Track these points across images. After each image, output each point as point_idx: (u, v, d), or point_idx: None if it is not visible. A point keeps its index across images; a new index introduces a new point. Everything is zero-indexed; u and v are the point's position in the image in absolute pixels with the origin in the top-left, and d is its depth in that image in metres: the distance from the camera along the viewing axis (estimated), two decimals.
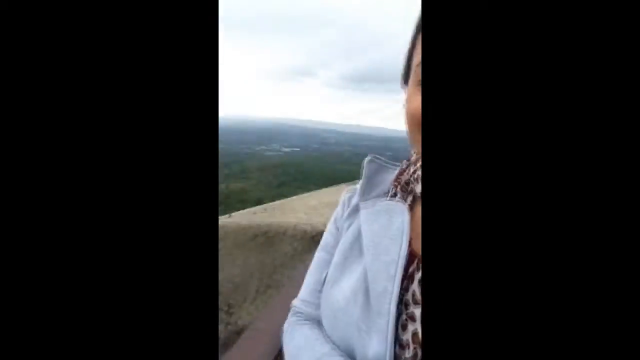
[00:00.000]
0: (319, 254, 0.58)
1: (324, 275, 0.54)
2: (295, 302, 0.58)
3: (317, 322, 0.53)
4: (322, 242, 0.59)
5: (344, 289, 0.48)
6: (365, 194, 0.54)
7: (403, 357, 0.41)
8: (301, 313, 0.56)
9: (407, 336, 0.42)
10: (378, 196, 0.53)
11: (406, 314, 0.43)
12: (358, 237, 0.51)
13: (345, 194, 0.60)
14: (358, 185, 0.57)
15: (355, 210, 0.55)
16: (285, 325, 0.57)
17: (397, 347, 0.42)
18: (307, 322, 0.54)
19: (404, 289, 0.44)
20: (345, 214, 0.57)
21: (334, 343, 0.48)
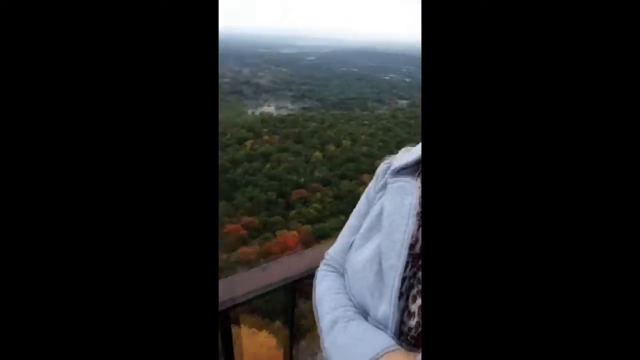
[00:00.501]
0: (350, 220, 0.63)
1: (352, 240, 0.60)
2: (327, 254, 0.66)
3: (342, 275, 0.60)
4: (355, 209, 0.63)
5: (363, 255, 0.54)
6: (396, 170, 0.55)
7: (408, 324, 0.47)
8: (330, 265, 0.64)
9: (414, 307, 0.47)
10: (410, 173, 0.54)
11: (417, 289, 0.47)
12: (382, 211, 0.54)
13: (382, 164, 0.61)
14: (393, 157, 0.59)
15: (384, 187, 0.57)
16: (317, 271, 0.65)
17: (406, 314, 0.47)
18: (334, 272, 0.62)
19: (416, 266, 0.47)
20: (378, 185, 0.59)
21: (351, 296, 0.55)
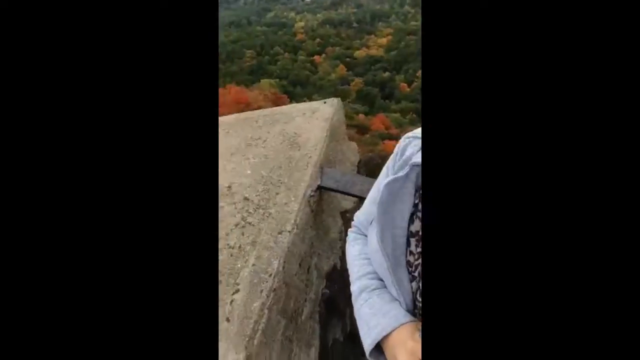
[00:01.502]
0: (372, 192, 0.63)
1: (373, 212, 0.56)
2: (355, 218, 0.67)
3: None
4: (377, 180, 0.62)
5: (378, 237, 0.54)
6: (415, 164, 0.51)
7: (419, 304, 0.51)
8: (359, 228, 0.66)
9: None
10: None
11: None
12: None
13: (402, 140, 0.58)
14: (417, 131, 0.56)
15: (401, 167, 0.55)
16: (349, 232, 0.68)
17: (418, 294, 0.51)
18: (363, 237, 0.65)
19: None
20: (396, 165, 0.57)
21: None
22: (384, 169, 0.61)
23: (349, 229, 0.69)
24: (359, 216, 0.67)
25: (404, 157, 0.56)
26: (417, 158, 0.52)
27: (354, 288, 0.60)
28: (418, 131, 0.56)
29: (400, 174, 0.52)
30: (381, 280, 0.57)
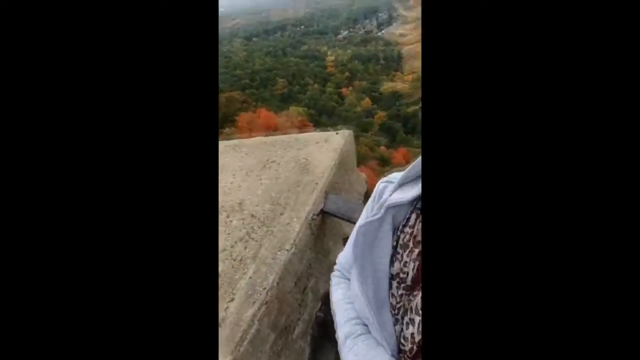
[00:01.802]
0: (352, 235, 0.61)
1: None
2: (338, 260, 0.67)
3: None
4: (359, 221, 0.59)
5: (357, 280, 0.54)
6: (390, 205, 0.51)
7: (406, 346, 0.50)
8: (341, 271, 0.66)
9: (408, 333, 0.49)
10: (400, 209, 0.51)
11: (409, 317, 0.49)
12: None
13: (380, 183, 0.58)
14: (392, 176, 0.57)
15: (378, 210, 0.54)
16: (332, 276, 0.67)
17: (402, 338, 0.51)
18: (345, 280, 0.64)
19: (406, 300, 0.50)
20: (375, 208, 0.56)
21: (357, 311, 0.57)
22: (364, 212, 0.61)
23: (332, 273, 0.69)
24: (341, 259, 0.67)
25: (380, 201, 0.55)
26: (391, 200, 0.52)
27: (339, 334, 0.59)
28: (393, 175, 0.58)
29: (376, 217, 0.52)
30: (365, 325, 0.56)
